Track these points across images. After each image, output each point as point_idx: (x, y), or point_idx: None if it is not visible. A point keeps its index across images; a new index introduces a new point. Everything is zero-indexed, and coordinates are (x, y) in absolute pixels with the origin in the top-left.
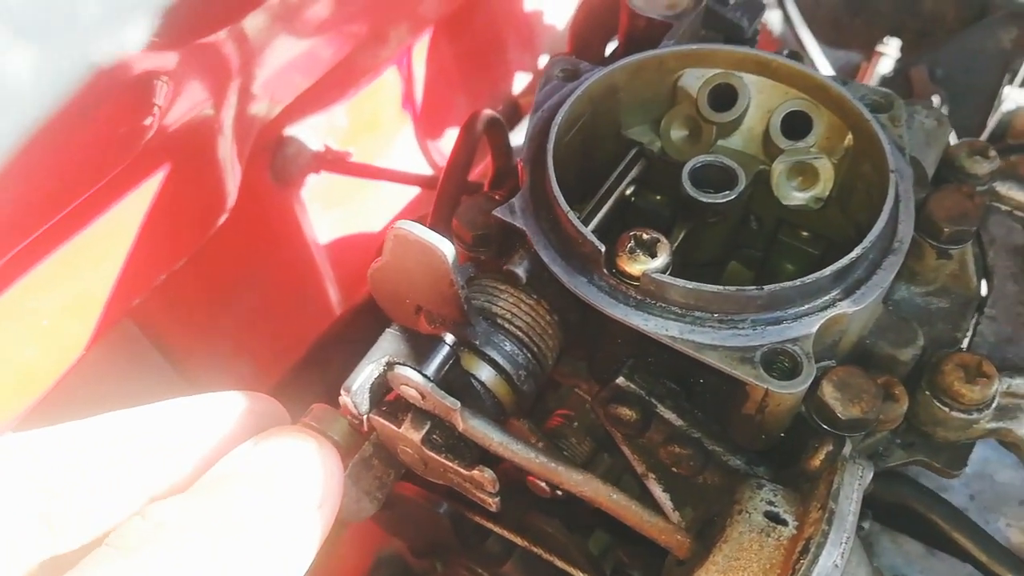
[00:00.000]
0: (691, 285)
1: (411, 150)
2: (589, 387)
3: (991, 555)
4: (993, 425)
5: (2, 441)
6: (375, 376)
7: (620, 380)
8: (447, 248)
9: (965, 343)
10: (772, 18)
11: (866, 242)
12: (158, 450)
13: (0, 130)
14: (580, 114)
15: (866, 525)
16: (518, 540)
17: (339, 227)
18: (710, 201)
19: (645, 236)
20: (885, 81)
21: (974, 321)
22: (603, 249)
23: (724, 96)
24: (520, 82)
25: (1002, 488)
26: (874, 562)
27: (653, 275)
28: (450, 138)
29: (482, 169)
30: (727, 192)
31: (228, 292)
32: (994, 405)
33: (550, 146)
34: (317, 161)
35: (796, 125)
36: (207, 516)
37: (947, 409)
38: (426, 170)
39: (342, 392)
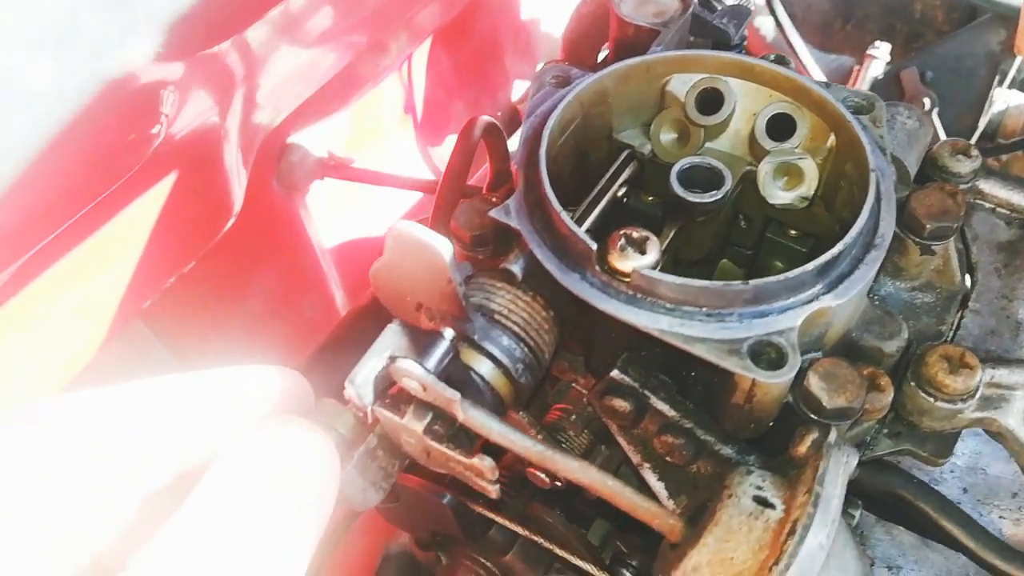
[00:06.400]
0: (679, 280)
1: (412, 156)
2: (586, 382)
3: (980, 542)
4: (978, 415)
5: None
6: (378, 369)
7: (615, 373)
8: (444, 246)
9: (950, 336)
10: (765, 24)
11: (848, 238)
12: (188, 421)
13: (18, 139)
14: (571, 118)
15: (856, 514)
16: (520, 530)
17: (343, 231)
18: (698, 200)
19: (635, 235)
20: (876, 84)
21: (959, 315)
22: (594, 247)
23: (711, 100)
24: (518, 89)
25: (995, 481)
26: (868, 552)
27: (643, 271)
28: (450, 144)
29: (482, 173)
30: (714, 192)
31: (236, 293)
32: (978, 395)
33: (543, 150)
34: (321, 167)
35: (781, 127)
36: (203, 525)
37: (932, 399)
38: (427, 175)
39: (346, 384)
